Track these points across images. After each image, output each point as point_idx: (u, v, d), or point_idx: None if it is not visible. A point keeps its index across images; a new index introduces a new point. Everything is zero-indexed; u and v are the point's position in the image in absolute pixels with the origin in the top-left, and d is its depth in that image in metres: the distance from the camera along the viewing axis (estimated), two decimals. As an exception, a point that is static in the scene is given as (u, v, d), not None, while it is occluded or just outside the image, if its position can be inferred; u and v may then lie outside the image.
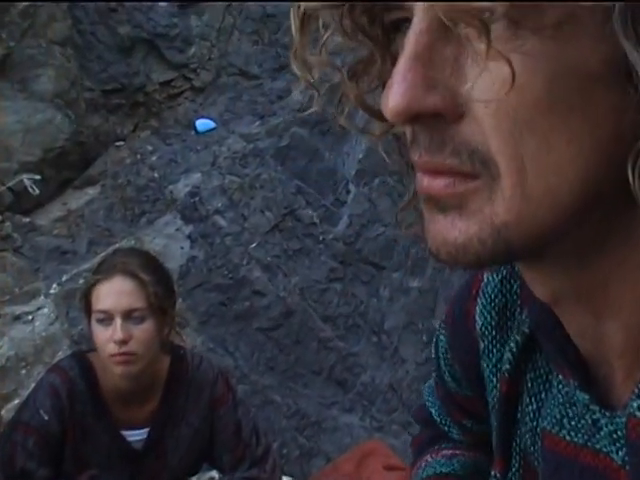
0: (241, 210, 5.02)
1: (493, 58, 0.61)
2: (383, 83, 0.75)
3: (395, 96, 0.66)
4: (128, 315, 2.73)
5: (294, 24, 0.74)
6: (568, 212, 0.66)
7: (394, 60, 0.71)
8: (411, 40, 0.66)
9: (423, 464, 1.27)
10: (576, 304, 0.78)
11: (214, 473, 3.28)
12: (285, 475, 3.84)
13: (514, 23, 0.62)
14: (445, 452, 1.26)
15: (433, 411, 1.27)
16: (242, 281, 4.86)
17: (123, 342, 2.70)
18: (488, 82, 0.63)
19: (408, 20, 0.69)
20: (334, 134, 5.42)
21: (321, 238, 5.11)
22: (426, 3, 0.65)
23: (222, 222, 4.98)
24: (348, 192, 5.31)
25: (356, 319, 5.04)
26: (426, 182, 0.70)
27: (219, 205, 5.02)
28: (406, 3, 0.69)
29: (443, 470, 1.23)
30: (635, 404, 0.74)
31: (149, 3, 5.58)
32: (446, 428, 1.26)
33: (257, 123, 5.49)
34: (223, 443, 3.02)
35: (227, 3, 5.78)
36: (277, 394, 4.73)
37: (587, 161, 0.64)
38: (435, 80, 0.66)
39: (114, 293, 2.75)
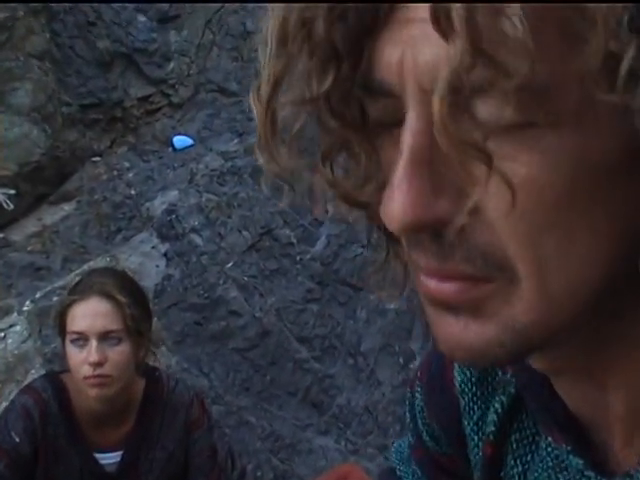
0: (218, 229, 5.00)
1: (504, 159, 0.57)
2: (366, 177, 0.70)
3: (400, 208, 0.60)
4: (104, 337, 2.70)
5: (257, 115, 0.69)
6: (588, 306, 0.62)
7: (376, 152, 0.68)
8: (409, 142, 0.60)
9: None
10: (578, 379, 0.74)
11: (190, 498, 3.26)
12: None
13: (528, 125, 0.57)
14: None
15: (417, 470, 1.16)
16: (218, 301, 4.83)
17: (98, 364, 2.67)
18: (500, 184, 0.57)
19: (398, 112, 0.64)
20: (315, 153, 5.41)
21: (298, 258, 5.10)
22: (419, 98, 0.60)
23: (199, 240, 4.96)
24: (326, 212, 5.31)
25: (332, 340, 5.02)
26: (433, 286, 0.64)
27: (196, 223, 4.99)
28: (396, 93, 0.63)
29: None
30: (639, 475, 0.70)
31: (128, 17, 5.59)
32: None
33: (235, 141, 5.48)
34: (198, 467, 2.99)
35: (207, 19, 5.80)
36: (252, 415, 4.70)
37: (607, 255, 0.61)
38: (442, 184, 0.61)
39: (90, 314, 2.72)
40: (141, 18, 5.61)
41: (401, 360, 5.15)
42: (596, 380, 0.72)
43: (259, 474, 4.51)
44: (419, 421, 1.06)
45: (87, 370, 2.68)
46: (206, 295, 4.82)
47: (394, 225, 0.61)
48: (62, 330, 2.77)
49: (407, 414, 1.10)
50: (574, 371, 0.73)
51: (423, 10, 0.56)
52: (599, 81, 0.54)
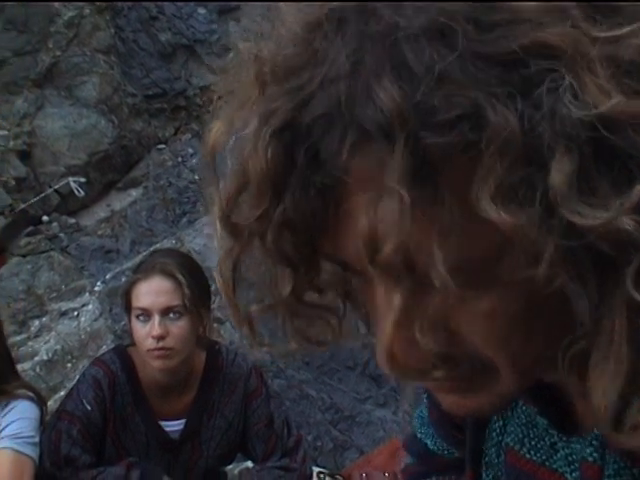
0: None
1: (471, 299, 0.70)
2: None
3: (391, 370, 0.72)
4: (165, 312, 2.85)
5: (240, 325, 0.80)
6: (550, 360, 0.75)
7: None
8: (392, 332, 0.68)
9: None
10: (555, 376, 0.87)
11: (249, 463, 3.39)
12: (318, 466, 3.90)
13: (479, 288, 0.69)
14: None
15: (429, 442, 1.30)
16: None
17: (160, 337, 2.83)
18: (471, 313, 0.71)
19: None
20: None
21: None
22: (385, 279, 0.69)
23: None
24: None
25: None
26: (431, 385, 0.80)
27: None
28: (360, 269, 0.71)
29: None
30: (588, 450, 0.86)
31: (189, 11, 5.68)
32: (446, 452, 1.30)
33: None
34: (256, 434, 3.13)
35: (265, 8, 5.85)
36: (312, 388, 4.80)
37: (555, 328, 0.73)
38: (423, 333, 0.70)
39: (153, 292, 2.87)
40: (201, 10, 5.69)
41: None
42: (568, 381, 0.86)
43: (319, 444, 4.59)
44: None
45: (151, 343, 2.84)
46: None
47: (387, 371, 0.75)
48: (128, 307, 2.94)
49: None
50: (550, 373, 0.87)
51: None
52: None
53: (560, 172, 0.61)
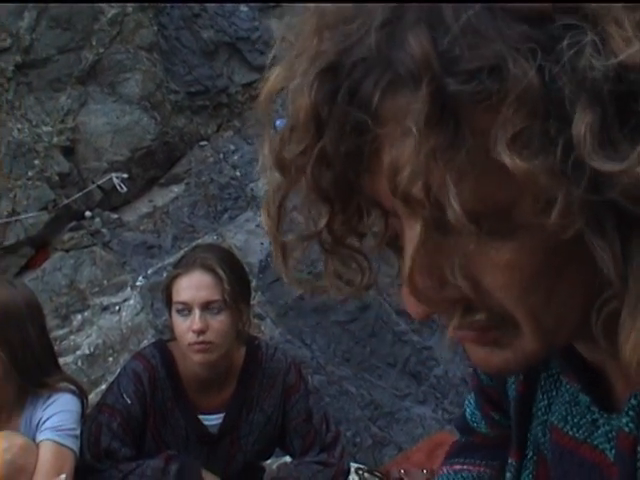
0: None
1: (493, 248, 0.74)
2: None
3: (412, 307, 0.79)
4: (205, 307, 2.87)
5: (272, 241, 0.85)
6: (576, 323, 0.80)
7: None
8: (412, 259, 0.74)
9: (438, 474, 1.41)
10: (589, 345, 0.91)
11: (287, 458, 3.41)
12: (357, 462, 3.92)
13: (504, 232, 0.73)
14: (456, 467, 1.38)
15: (468, 410, 1.38)
16: (320, 275, 4.92)
17: (201, 332, 2.86)
18: (491, 266, 0.75)
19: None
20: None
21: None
22: (409, 212, 0.74)
23: (300, 218, 5.06)
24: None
25: None
26: (460, 334, 0.83)
27: (298, 202, 5.10)
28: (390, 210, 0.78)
29: None
30: (624, 420, 0.87)
31: (231, 8, 5.69)
32: (475, 424, 1.37)
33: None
34: (294, 429, 3.14)
35: (306, 6, 5.85)
36: (352, 385, 4.81)
37: (577, 296, 0.77)
38: (443, 275, 0.76)
39: (193, 286, 2.90)
40: (243, 8, 5.70)
41: None
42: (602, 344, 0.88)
43: (358, 440, 4.60)
44: None
45: (191, 337, 2.87)
46: (308, 270, 4.93)
47: (412, 315, 0.81)
48: (168, 301, 2.97)
49: None
50: (584, 340, 0.91)
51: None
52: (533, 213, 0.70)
53: (580, 123, 0.64)
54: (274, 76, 0.79)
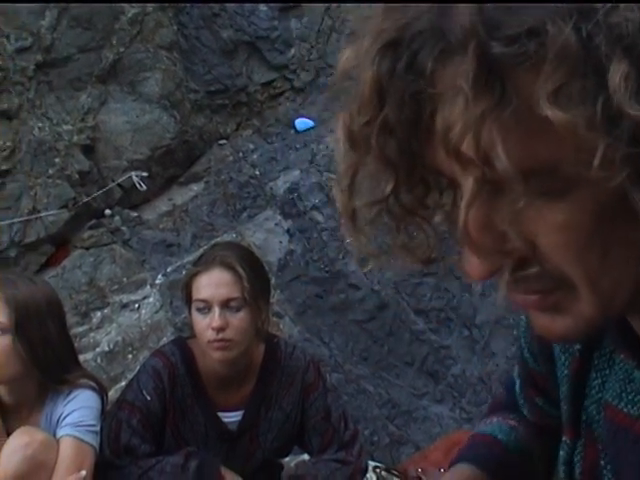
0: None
1: (548, 210, 0.78)
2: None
3: (473, 269, 0.83)
4: (225, 304, 2.88)
5: (338, 200, 0.89)
6: (632, 290, 0.83)
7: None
8: (465, 212, 0.79)
9: (489, 421, 1.45)
10: None
11: (306, 456, 3.41)
12: (374, 461, 3.91)
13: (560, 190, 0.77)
14: (510, 422, 1.42)
15: (518, 382, 1.41)
16: (338, 274, 4.96)
17: (220, 329, 2.86)
18: (546, 225, 0.79)
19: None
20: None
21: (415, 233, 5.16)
22: (462, 171, 0.79)
23: (319, 217, 5.11)
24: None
25: (448, 312, 5.08)
26: (520, 299, 0.86)
27: (317, 201, 5.14)
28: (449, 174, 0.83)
29: (500, 436, 1.40)
30: None
31: (251, 8, 5.70)
32: (521, 401, 1.41)
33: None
34: (313, 427, 3.15)
35: (326, 6, 5.86)
36: (370, 383, 4.81)
37: (633, 252, 0.80)
38: (503, 237, 0.80)
39: (213, 284, 2.90)
40: (263, 7, 5.70)
41: (515, 332, 5.15)
42: None
43: (376, 439, 4.60)
44: (522, 339, 1.31)
45: (211, 334, 2.87)
46: (327, 269, 4.95)
47: (473, 279, 0.85)
48: (188, 299, 2.97)
49: (517, 334, 1.36)
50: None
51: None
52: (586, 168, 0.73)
53: (616, 74, 0.69)
54: (344, 57, 0.84)
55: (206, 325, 2.89)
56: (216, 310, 2.88)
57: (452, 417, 4.89)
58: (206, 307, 2.90)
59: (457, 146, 0.74)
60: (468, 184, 0.79)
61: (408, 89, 0.77)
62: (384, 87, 0.79)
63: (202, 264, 2.98)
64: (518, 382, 1.40)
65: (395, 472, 4.05)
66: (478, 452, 1.40)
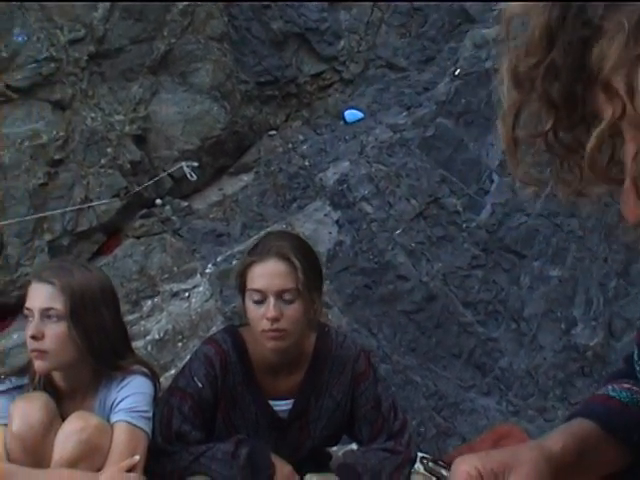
0: (387, 197, 5.13)
1: None
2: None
3: (631, 217, 0.88)
4: (280, 295, 2.89)
5: (502, 135, 0.95)
6: None
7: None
8: (629, 166, 0.85)
9: (602, 389, 1.47)
10: None
11: (354, 446, 3.43)
12: (421, 452, 3.92)
13: None
14: (625, 385, 1.45)
15: (636, 351, 1.42)
16: (387, 265, 4.97)
17: (275, 319, 2.87)
18: None
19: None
20: (479, 125, 5.45)
21: (464, 226, 5.17)
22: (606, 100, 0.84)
23: (369, 209, 5.11)
24: (492, 182, 5.33)
25: (496, 305, 5.08)
26: None
27: (366, 192, 5.14)
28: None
29: (613, 394, 1.43)
30: None
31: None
32: (638, 367, 1.42)
33: (404, 114, 5.56)
34: (363, 416, 3.15)
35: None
36: (417, 375, 4.82)
37: None
38: None
39: (268, 274, 2.91)
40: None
41: (563, 326, 5.15)
42: None
43: (422, 430, 4.61)
44: None
45: (265, 324, 2.88)
46: (375, 260, 4.96)
47: (630, 223, 0.89)
48: (242, 287, 2.97)
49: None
50: None
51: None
52: None
53: None
54: (511, 6, 0.90)
55: (261, 315, 2.90)
56: (271, 300, 2.89)
57: (499, 410, 4.89)
58: (261, 297, 2.91)
59: (607, 78, 0.79)
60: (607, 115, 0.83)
61: (576, 35, 0.83)
62: (553, 32, 0.85)
63: (257, 254, 2.98)
64: (636, 351, 1.41)
65: (442, 463, 4.06)
66: (589, 408, 1.43)
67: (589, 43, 0.82)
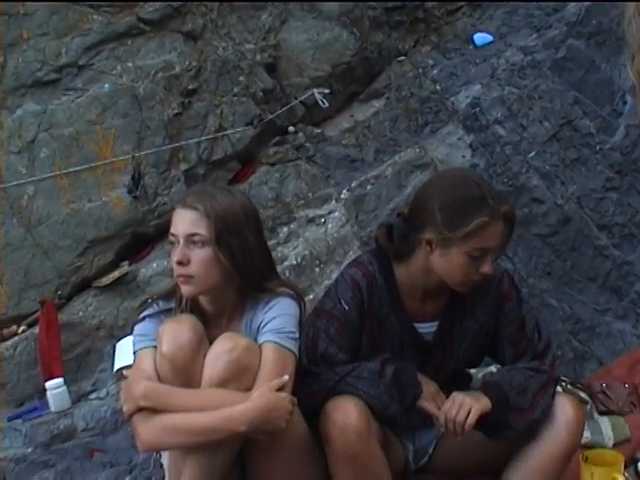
0: (520, 120, 5.07)
1: None
2: None
3: None
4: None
5: (637, 84, 0.96)
6: None
7: None
8: None
9: None
10: None
11: (493, 368, 3.43)
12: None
13: None
14: None
15: None
16: (521, 188, 4.94)
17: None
18: None
19: None
20: (610, 46, 5.33)
21: (598, 148, 5.08)
22: None
23: (502, 131, 5.07)
24: (625, 103, 5.23)
25: (631, 228, 5.00)
26: None
27: (499, 115, 5.10)
28: None
29: None
30: None
31: None
32: None
33: (534, 36, 5.48)
34: (507, 337, 3.14)
35: None
36: (553, 298, 4.79)
37: None
38: None
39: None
40: None
41: None
42: None
43: (560, 353, 4.57)
44: None
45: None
46: (510, 183, 4.92)
47: None
48: None
49: None
50: None
51: None
52: None
53: None
54: None
55: None
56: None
57: (635, 334, 4.82)
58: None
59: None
60: None
61: None
62: None
63: None
64: None
65: (580, 386, 4.05)
66: None
67: None
